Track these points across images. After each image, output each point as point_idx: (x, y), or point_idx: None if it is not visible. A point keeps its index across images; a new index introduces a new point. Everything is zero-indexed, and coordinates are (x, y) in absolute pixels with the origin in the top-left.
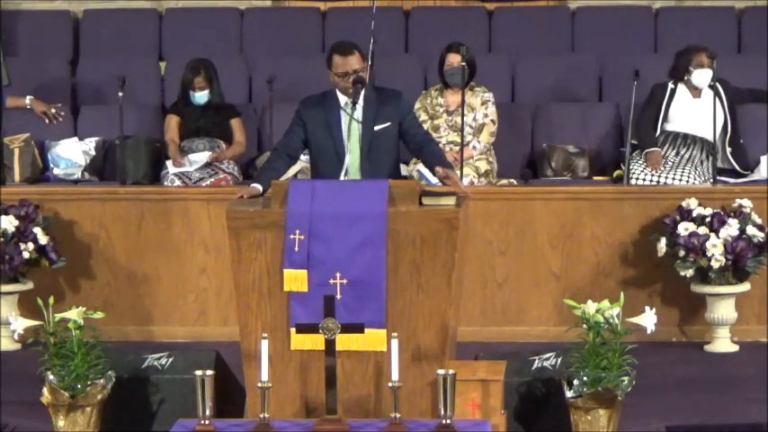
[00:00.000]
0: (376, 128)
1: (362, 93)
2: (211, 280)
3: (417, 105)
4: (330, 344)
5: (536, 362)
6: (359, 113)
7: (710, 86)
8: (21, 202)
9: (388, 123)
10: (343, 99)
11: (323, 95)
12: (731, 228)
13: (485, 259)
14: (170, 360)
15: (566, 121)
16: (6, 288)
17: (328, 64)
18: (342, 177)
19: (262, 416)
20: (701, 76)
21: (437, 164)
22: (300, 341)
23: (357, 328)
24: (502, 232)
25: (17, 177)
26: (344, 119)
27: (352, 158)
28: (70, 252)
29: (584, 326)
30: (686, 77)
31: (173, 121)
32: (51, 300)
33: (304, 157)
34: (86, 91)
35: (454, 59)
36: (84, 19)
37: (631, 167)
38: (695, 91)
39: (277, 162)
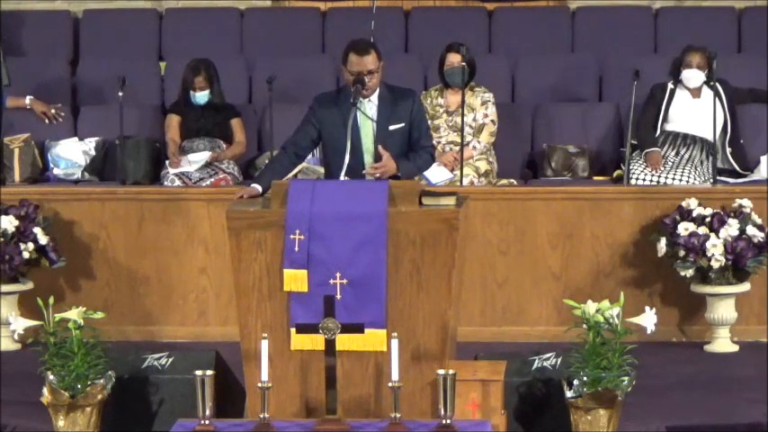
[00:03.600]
0: (390, 128)
1: (377, 91)
2: (211, 280)
3: None
4: (330, 344)
5: (536, 362)
6: (373, 112)
7: (710, 86)
8: (21, 202)
9: (402, 124)
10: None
11: (338, 92)
12: (731, 228)
13: (485, 259)
14: (170, 360)
15: (566, 121)
16: (6, 288)
17: (344, 60)
18: (342, 177)
19: (262, 416)
20: (690, 76)
21: (401, 161)
22: (300, 341)
23: (357, 328)
24: (502, 232)
25: (17, 177)
26: (359, 117)
27: (367, 158)
28: (70, 252)
29: (584, 326)
30: (679, 78)
31: (173, 121)
32: (51, 300)
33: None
34: (86, 91)
35: (454, 59)
36: (84, 19)
37: (631, 167)
38: (695, 91)
39: (282, 162)
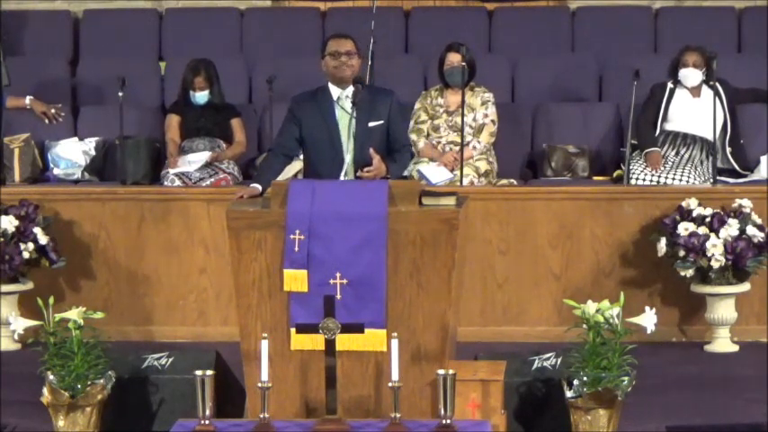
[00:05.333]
0: (370, 124)
1: (353, 90)
2: (211, 280)
3: (417, 105)
4: (330, 344)
5: (536, 362)
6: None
7: (710, 86)
8: (21, 202)
9: (381, 121)
10: (335, 93)
11: (315, 91)
12: (731, 228)
13: (485, 259)
14: (170, 360)
15: (566, 121)
16: (6, 288)
17: (322, 51)
18: (342, 176)
19: (262, 416)
20: (687, 75)
21: (390, 163)
22: (300, 341)
23: (357, 328)
24: (502, 232)
25: (17, 177)
26: (338, 113)
27: (347, 155)
28: (70, 252)
29: (584, 326)
30: (678, 77)
31: (173, 121)
32: (51, 300)
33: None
34: (86, 91)
35: (454, 59)
36: (84, 19)
37: (631, 167)
38: (694, 90)
39: (274, 162)
